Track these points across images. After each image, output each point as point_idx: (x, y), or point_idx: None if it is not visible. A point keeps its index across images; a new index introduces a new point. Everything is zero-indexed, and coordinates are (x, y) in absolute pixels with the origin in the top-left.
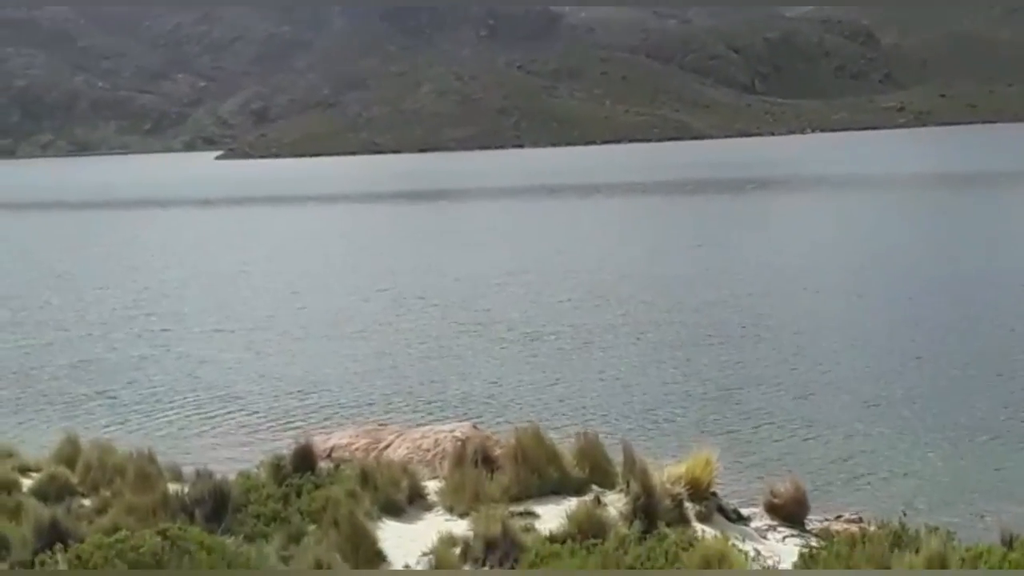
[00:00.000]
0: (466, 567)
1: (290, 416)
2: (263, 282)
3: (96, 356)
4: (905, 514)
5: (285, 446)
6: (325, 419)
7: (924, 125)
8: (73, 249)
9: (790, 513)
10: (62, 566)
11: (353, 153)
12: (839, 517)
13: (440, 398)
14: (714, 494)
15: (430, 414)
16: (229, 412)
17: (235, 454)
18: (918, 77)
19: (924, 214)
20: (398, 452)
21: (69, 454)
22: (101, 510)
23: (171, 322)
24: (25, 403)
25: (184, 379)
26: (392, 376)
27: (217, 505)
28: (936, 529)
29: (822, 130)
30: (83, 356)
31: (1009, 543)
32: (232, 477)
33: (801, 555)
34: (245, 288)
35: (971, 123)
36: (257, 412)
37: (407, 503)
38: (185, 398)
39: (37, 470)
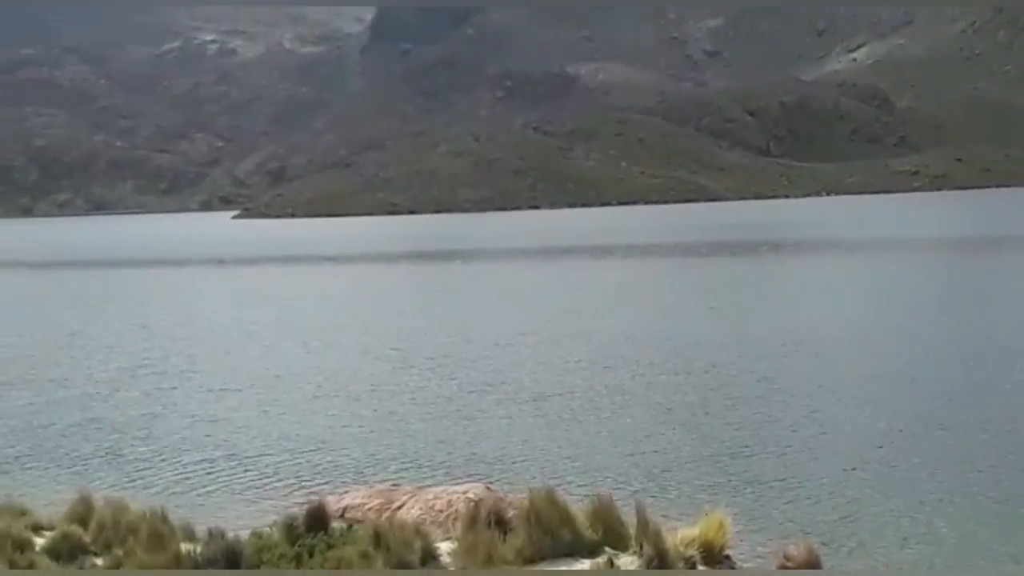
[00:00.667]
0: None
1: (293, 475)
2: (273, 341)
3: (100, 415)
4: None
5: (296, 505)
6: (327, 481)
7: (939, 189)
8: (87, 308)
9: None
10: None
11: (369, 213)
12: None
13: (449, 458)
14: (727, 557)
15: (435, 471)
16: (232, 471)
17: (242, 513)
18: (933, 141)
19: (938, 278)
20: (411, 513)
21: (82, 512)
22: (114, 568)
23: (177, 381)
24: (33, 460)
25: (189, 436)
26: (397, 436)
27: (230, 564)
28: None
29: (837, 193)
30: (90, 414)
31: None
32: (245, 536)
33: None
34: (255, 347)
35: (987, 187)
36: (256, 470)
37: (420, 564)
38: (189, 456)
39: (50, 528)
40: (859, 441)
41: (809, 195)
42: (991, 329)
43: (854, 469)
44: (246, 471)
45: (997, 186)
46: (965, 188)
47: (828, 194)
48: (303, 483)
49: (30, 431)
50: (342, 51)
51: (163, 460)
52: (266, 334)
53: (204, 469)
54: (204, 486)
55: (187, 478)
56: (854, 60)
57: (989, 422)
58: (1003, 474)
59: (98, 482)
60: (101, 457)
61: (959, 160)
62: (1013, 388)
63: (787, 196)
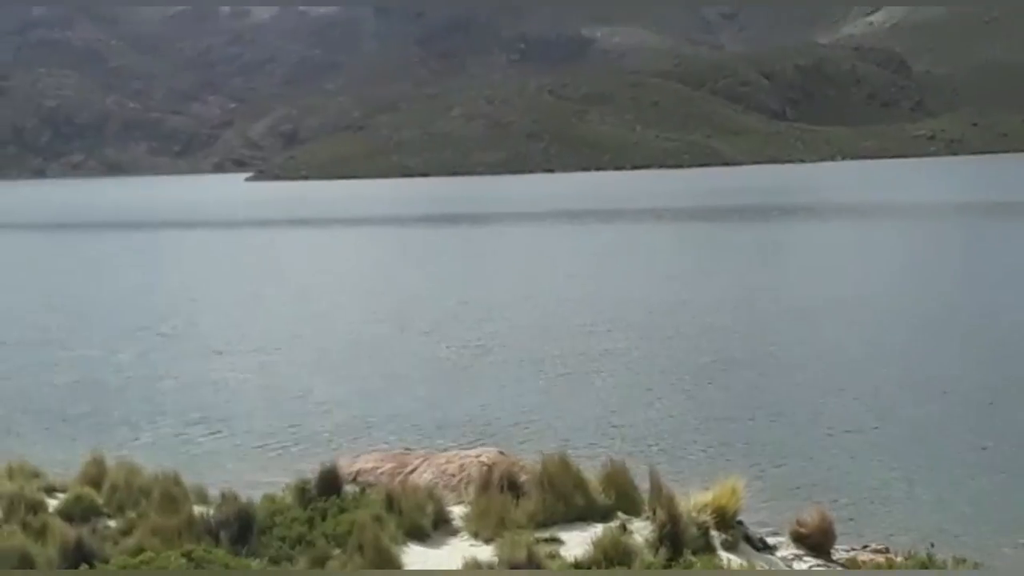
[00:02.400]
0: None
1: (303, 438)
2: (281, 304)
3: (98, 377)
4: (933, 545)
5: (309, 469)
6: (325, 441)
7: (955, 154)
8: (96, 270)
9: (817, 542)
10: None
11: (382, 176)
12: (866, 547)
13: (444, 419)
14: (740, 523)
15: (424, 434)
16: (240, 435)
17: (255, 475)
18: (949, 105)
19: (953, 243)
20: (424, 477)
21: (95, 475)
22: (127, 531)
23: (177, 342)
24: (37, 421)
25: (194, 399)
26: (403, 399)
27: (242, 527)
28: (964, 560)
29: (852, 157)
30: (92, 375)
31: None
32: (257, 499)
33: None
34: (263, 310)
35: (1003, 152)
36: (265, 433)
37: (432, 528)
38: (192, 419)
39: (63, 490)
40: (874, 407)
41: (824, 159)
42: (1001, 294)
43: (873, 436)
44: (254, 434)
45: (1014, 151)
46: (981, 153)
47: (843, 158)
48: (314, 446)
49: (33, 392)
50: (356, 13)
51: (166, 423)
52: (275, 297)
53: (211, 432)
54: (214, 449)
55: (195, 441)
56: (871, 24)
57: (991, 388)
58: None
59: (105, 445)
60: (101, 419)
61: (975, 125)
62: (1015, 352)
63: (802, 160)
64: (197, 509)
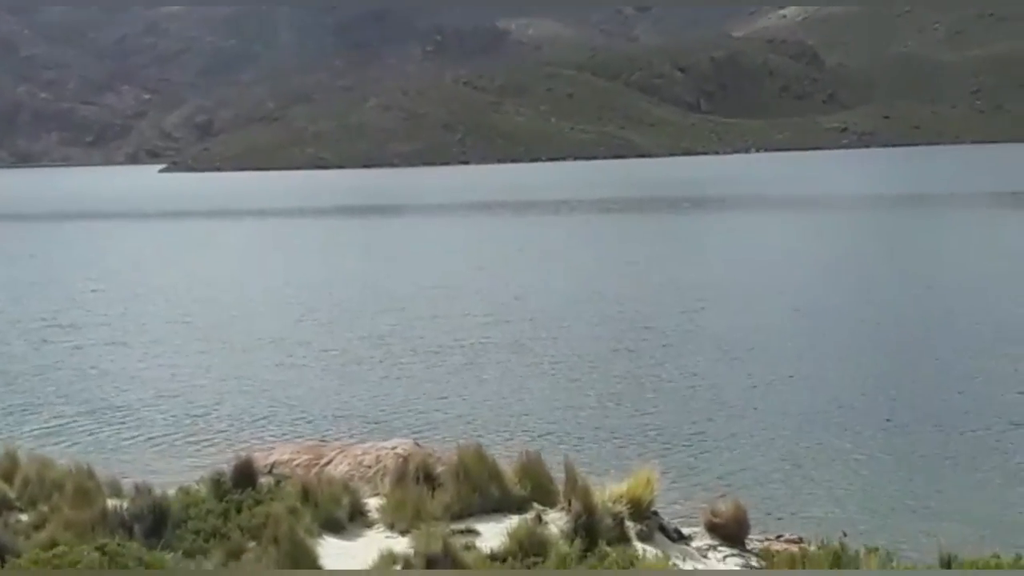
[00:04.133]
0: None
1: (214, 431)
2: (184, 295)
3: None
4: (845, 535)
5: (224, 462)
6: (253, 436)
7: (867, 146)
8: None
9: (731, 533)
10: None
11: (297, 168)
12: (780, 537)
13: (333, 411)
14: (655, 513)
15: (324, 426)
16: (151, 427)
17: (168, 468)
18: (862, 98)
19: (862, 234)
20: (339, 468)
21: (7, 468)
22: (39, 525)
23: (75, 333)
24: None
25: (104, 391)
26: (294, 388)
27: (156, 521)
28: (876, 550)
29: (766, 150)
30: None
31: (947, 564)
32: (172, 492)
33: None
34: (172, 302)
35: (914, 144)
36: (176, 425)
37: (348, 520)
38: (103, 411)
39: None
40: (787, 397)
41: (738, 151)
42: (915, 285)
43: (785, 426)
44: (165, 426)
45: (925, 143)
46: (893, 145)
47: (757, 150)
48: (228, 439)
49: None
50: (271, 3)
51: (79, 414)
52: (181, 288)
53: (122, 424)
54: (126, 442)
55: (107, 433)
56: (784, 16)
57: (898, 377)
58: (927, 433)
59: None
60: (15, 413)
61: (887, 117)
62: (927, 344)
63: (716, 152)
64: (111, 502)
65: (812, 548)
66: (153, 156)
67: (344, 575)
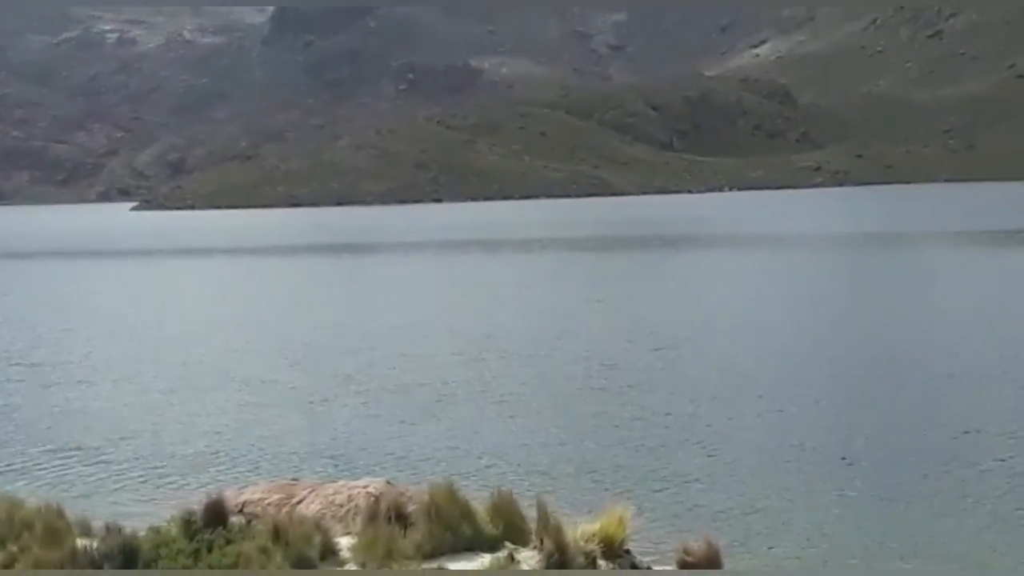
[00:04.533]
0: None
1: (185, 470)
2: (153, 333)
3: None
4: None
5: (194, 501)
6: (223, 476)
7: (841, 184)
8: None
9: (703, 570)
10: None
11: (270, 206)
12: None
13: (302, 449)
14: (628, 551)
15: (277, 462)
16: (120, 467)
17: (138, 509)
18: (835, 137)
19: (834, 273)
20: (311, 507)
21: None
22: (8, 564)
23: (42, 372)
24: None
25: (74, 430)
26: (263, 427)
27: (127, 560)
28: None
29: (739, 188)
30: None
31: None
32: (142, 532)
33: None
34: (134, 339)
35: (888, 183)
36: (146, 466)
37: (319, 559)
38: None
39: None
40: (757, 436)
41: (712, 190)
42: (886, 324)
43: (759, 463)
44: (135, 467)
45: (898, 182)
46: (866, 184)
47: (730, 189)
48: (198, 479)
49: None
50: (243, 42)
51: (48, 455)
52: (150, 326)
53: (95, 465)
54: (96, 482)
55: (77, 474)
56: (757, 56)
57: (865, 409)
58: (896, 468)
59: None
60: None
61: (860, 156)
62: (905, 382)
63: (690, 191)
64: (81, 542)
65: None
66: (125, 194)
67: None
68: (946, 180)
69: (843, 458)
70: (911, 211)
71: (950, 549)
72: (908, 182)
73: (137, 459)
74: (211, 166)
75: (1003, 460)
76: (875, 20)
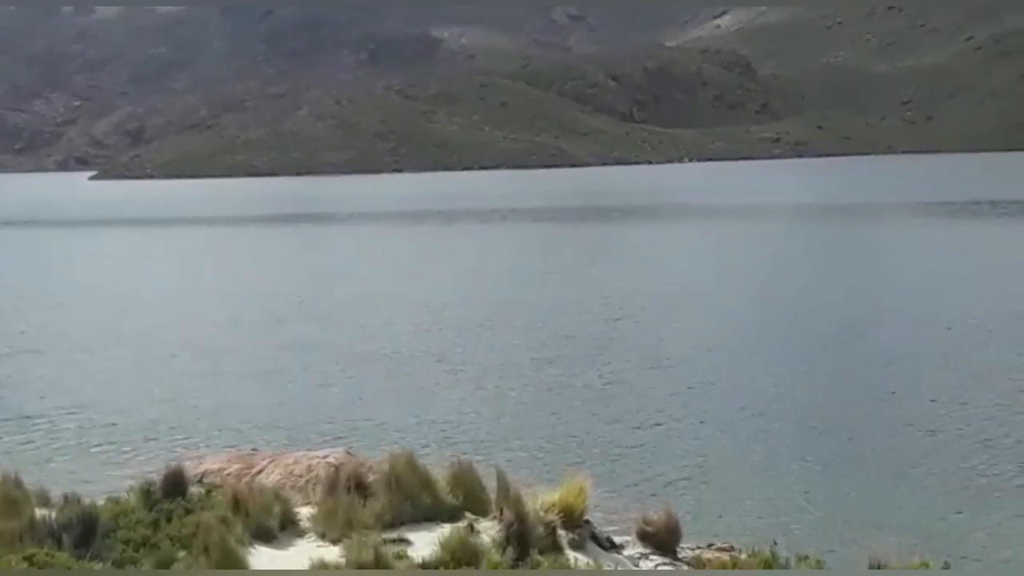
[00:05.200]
0: None
1: (145, 440)
2: (107, 302)
3: None
4: (776, 543)
5: (154, 471)
6: (121, 440)
7: (800, 156)
8: None
9: (663, 541)
10: None
11: (229, 175)
12: (711, 545)
13: (258, 419)
14: (587, 522)
15: (252, 434)
16: (81, 436)
17: (97, 477)
18: (795, 108)
19: (791, 243)
20: (271, 478)
21: None
22: None
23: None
24: None
25: (33, 400)
26: (223, 397)
27: (85, 530)
28: (806, 558)
29: (699, 159)
30: None
31: (878, 571)
32: (101, 502)
33: None
34: (88, 308)
35: (846, 154)
36: (106, 435)
37: (279, 529)
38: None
39: None
40: (719, 407)
41: (672, 161)
42: (842, 294)
43: (718, 436)
44: (95, 435)
45: (857, 154)
46: (825, 155)
47: (690, 160)
48: (156, 448)
49: None
50: (203, 11)
51: (7, 423)
52: (105, 295)
53: (54, 434)
54: (56, 451)
55: (37, 443)
56: (717, 27)
57: (826, 387)
58: (851, 436)
59: None
60: None
61: (820, 128)
62: (852, 353)
63: (649, 161)
64: (39, 512)
65: (743, 556)
66: (83, 163)
67: (272, 575)
68: (904, 151)
69: (816, 428)
70: (869, 182)
71: (901, 518)
72: (867, 153)
73: (92, 428)
74: (170, 135)
75: (960, 429)
76: None
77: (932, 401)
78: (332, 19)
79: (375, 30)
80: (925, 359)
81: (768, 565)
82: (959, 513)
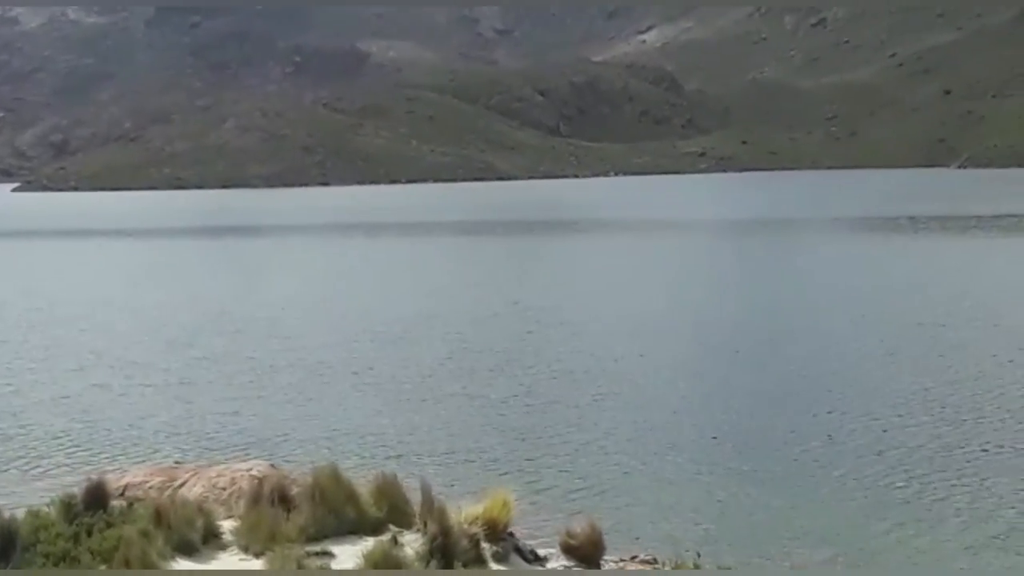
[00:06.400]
0: None
1: (66, 453)
2: (29, 315)
3: None
4: (699, 555)
5: (74, 484)
6: (102, 459)
7: (725, 170)
8: None
9: (586, 554)
10: None
11: (155, 188)
12: (634, 558)
13: (174, 432)
14: (511, 534)
15: (210, 447)
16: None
17: (17, 491)
18: (720, 123)
19: (714, 258)
20: (194, 491)
21: None
22: None
23: None
24: None
25: None
26: (142, 410)
27: (4, 543)
28: (729, 568)
29: (625, 173)
30: None
31: None
32: (21, 515)
33: None
34: (17, 323)
35: (771, 169)
36: (26, 448)
37: (202, 543)
38: None
39: None
40: (637, 417)
41: (598, 175)
42: (761, 308)
43: (643, 448)
44: (15, 449)
45: (781, 169)
46: (750, 170)
47: (617, 174)
48: (78, 461)
49: None
50: (128, 23)
51: None
52: (27, 308)
53: None
54: None
55: None
56: (643, 42)
57: (746, 400)
58: (764, 447)
59: None
60: None
61: (745, 143)
62: (764, 366)
63: (576, 175)
64: None
65: (666, 568)
66: (7, 175)
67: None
68: (829, 167)
69: (714, 437)
70: (793, 197)
71: (818, 526)
72: (792, 168)
73: (8, 440)
74: (95, 147)
75: (869, 438)
76: (760, 8)
77: (843, 413)
78: (259, 31)
79: (302, 43)
80: (837, 372)
81: None
82: (872, 519)
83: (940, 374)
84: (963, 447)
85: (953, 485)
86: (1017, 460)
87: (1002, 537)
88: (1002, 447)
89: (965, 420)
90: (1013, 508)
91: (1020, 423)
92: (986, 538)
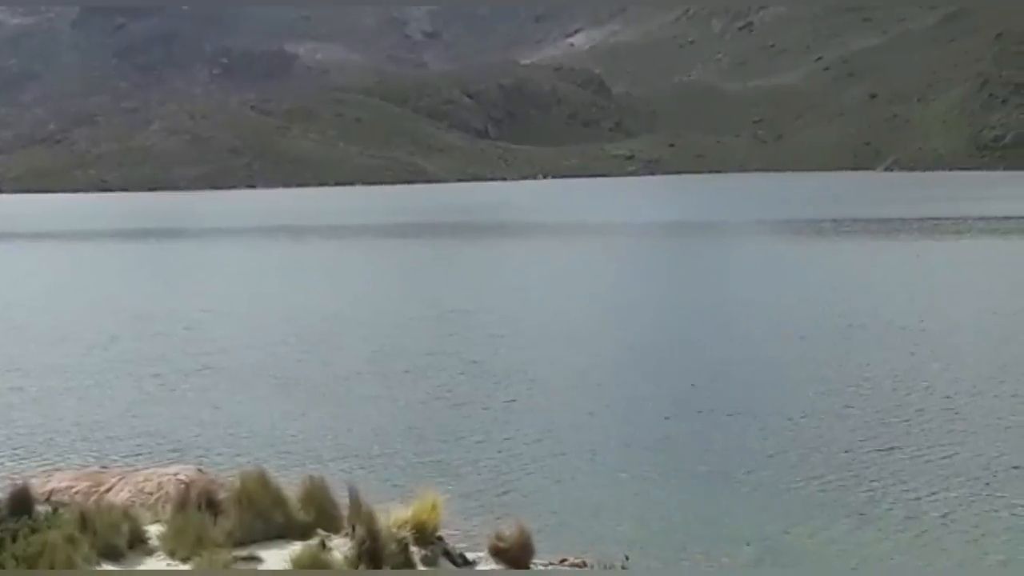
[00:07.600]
0: None
1: None
2: None
3: None
4: (628, 557)
5: None
6: (28, 463)
7: (653, 173)
8: None
9: (515, 557)
10: None
11: (80, 190)
12: (564, 560)
13: (92, 435)
14: (440, 538)
15: (134, 452)
16: None
17: None
18: (648, 126)
19: (640, 261)
20: (120, 495)
21: None
22: None
23: None
24: None
25: None
26: (64, 412)
27: None
28: (657, 569)
29: (554, 176)
30: None
31: None
32: None
33: None
34: None
35: (698, 172)
36: None
37: (128, 547)
38: None
39: None
40: (568, 422)
41: (526, 177)
42: (684, 311)
43: (571, 450)
44: None
45: (709, 171)
46: (678, 173)
47: (545, 177)
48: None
49: None
50: (53, 23)
51: None
52: None
53: None
54: None
55: None
56: (571, 45)
57: (674, 402)
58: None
59: None
60: None
61: (672, 146)
62: (687, 368)
63: (504, 178)
64: None
65: (596, 570)
66: None
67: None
68: (756, 170)
69: (663, 440)
70: (720, 200)
71: (743, 525)
72: (719, 171)
73: None
74: (18, 149)
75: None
76: (687, 11)
77: (764, 416)
78: (185, 33)
79: (229, 44)
80: (762, 373)
81: None
82: (799, 520)
83: (859, 373)
84: (890, 449)
85: (880, 486)
86: (943, 461)
87: (927, 535)
88: (922, 449)
89: (890, 422)
90: (937, 509)
91: (944, 425)
92: (911, 537)
